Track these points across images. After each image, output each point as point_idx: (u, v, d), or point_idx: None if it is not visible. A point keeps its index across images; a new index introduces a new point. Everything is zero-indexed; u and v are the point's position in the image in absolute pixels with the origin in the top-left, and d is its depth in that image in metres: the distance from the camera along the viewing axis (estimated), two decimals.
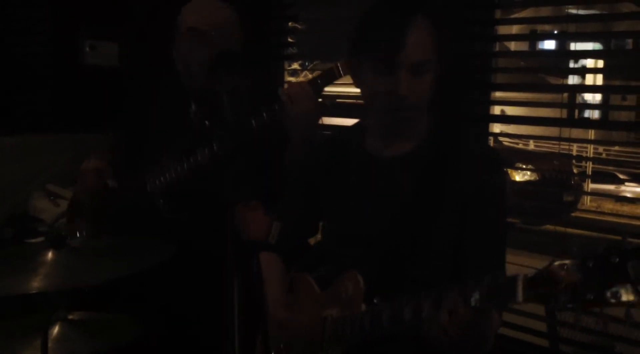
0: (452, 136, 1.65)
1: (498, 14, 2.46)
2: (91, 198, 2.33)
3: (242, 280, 1.25)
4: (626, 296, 1.03)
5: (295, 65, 3.49)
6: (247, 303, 1.29)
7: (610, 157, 11.66)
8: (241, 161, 1.66)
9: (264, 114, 2.01)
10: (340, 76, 1.95)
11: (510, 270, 1.57)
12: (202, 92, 2.26)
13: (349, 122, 1.85)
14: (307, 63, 3.73)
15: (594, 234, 2.67)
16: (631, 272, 1.03)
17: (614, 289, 1.04)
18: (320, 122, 2.09)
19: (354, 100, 3.04)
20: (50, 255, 1.59)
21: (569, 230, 2.53)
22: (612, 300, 1.04)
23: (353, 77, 1.66)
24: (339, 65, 1.93)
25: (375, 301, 1.49)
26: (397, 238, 1.57)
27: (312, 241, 1.95)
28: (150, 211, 2.24)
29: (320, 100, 1.98)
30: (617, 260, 1.04)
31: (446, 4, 2.26)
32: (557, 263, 1.12)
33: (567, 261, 1.11)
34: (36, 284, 1.49)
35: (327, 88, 3.39)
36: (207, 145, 2.10)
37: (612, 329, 2.10)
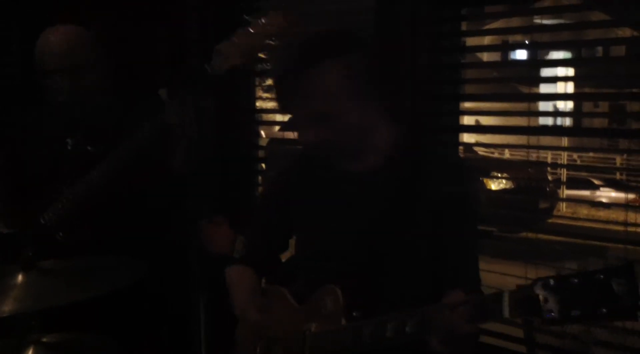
0: (420, 147, 1.66)
1: (465, 26, 2.49)
2: None
3: (208, 294, 1.25)
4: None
5: (270, 82, 3.45)
6: (215, 315, 1.28)
7: (584, 163, 11.80)
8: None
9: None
10: None
11: (489, 278, 1.58)
12: (83, 115, 2.29)
13: None
14: None
15: (571, 240, 2.68)
16: (616, 289, 1.05)
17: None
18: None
19: None
20: (20, 277, 1.57)
21: (545, 236, 2.54)
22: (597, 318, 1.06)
23: None
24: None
25: (354, 314, 1.49)
26: (372, 252, 1.57)
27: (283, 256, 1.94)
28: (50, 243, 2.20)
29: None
30: (602, 277, 1.06)
31: (416, 18, 2.29)
32: (541, 279, 1.13)
33: (551, 278, 1.12)
34: (7, 307, 1.47)
35: None
36: (94, 168, 2.14)
37: (590, 334, 2.11)
